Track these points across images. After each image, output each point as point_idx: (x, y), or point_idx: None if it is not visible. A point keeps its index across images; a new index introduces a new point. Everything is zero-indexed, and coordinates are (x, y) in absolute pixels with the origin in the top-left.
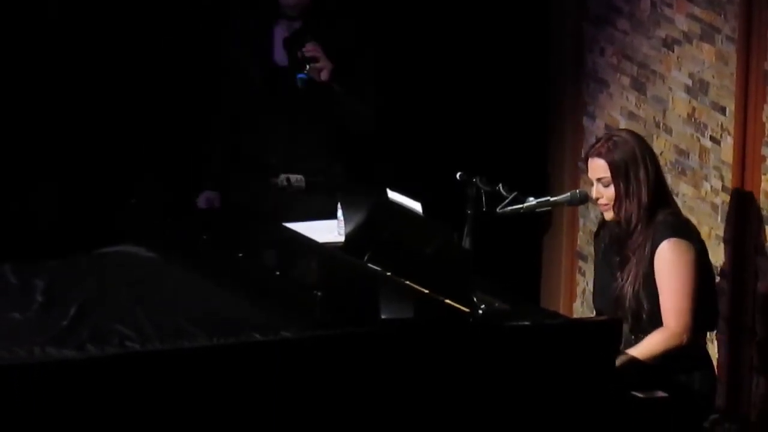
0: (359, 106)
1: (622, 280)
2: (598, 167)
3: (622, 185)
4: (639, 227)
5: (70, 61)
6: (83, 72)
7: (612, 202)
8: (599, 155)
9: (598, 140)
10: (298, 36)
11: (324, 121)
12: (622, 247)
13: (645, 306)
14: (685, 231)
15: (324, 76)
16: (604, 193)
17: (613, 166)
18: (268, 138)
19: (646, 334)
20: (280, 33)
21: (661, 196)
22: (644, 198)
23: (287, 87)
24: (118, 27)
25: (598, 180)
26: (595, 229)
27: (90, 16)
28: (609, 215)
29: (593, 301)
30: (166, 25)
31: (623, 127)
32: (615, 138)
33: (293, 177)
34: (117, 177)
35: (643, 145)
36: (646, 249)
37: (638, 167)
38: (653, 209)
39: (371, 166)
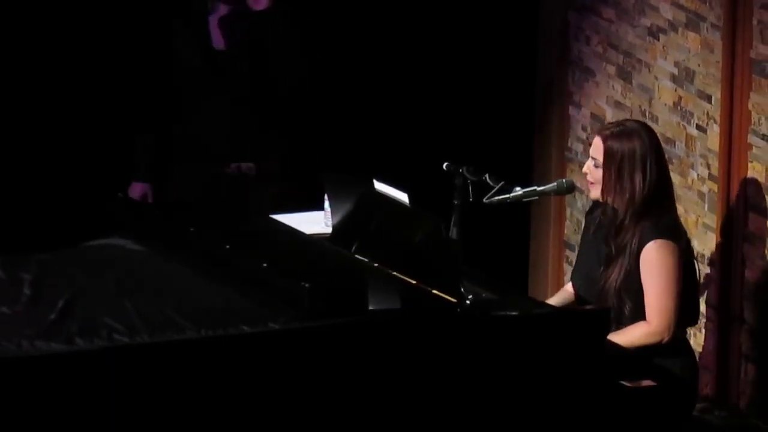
0: (290, 60)
1: (606, 276)
2: (596, 147)
3: (613, 177)
4: (628, 225)
5: (49, 58)
6: (62, 67)
7: (596, 183)
8: (603, 136)
9: (615, 121)
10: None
11: (270, 103)
12: (608, 239)
13: (627, 303)
14: (672, 232)
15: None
16: (592, 172)
17: (607, 154)
18: (212, 124)
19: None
20: (216, 17)
21: (659, 198)
22: (637, 198)
23: (227, 71)
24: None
25: (593, 158)
26: (583, 216)
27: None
28: (592, 194)
29: (572, 276)
30: (102, 16)
31: (636, 119)
32: (626, 127)
33: (244, 165)
34: (105, 170)
35: (651, 145)
36: (633, 247)
37: (635, 167)
38: (647, 210)
39: (347, 156)
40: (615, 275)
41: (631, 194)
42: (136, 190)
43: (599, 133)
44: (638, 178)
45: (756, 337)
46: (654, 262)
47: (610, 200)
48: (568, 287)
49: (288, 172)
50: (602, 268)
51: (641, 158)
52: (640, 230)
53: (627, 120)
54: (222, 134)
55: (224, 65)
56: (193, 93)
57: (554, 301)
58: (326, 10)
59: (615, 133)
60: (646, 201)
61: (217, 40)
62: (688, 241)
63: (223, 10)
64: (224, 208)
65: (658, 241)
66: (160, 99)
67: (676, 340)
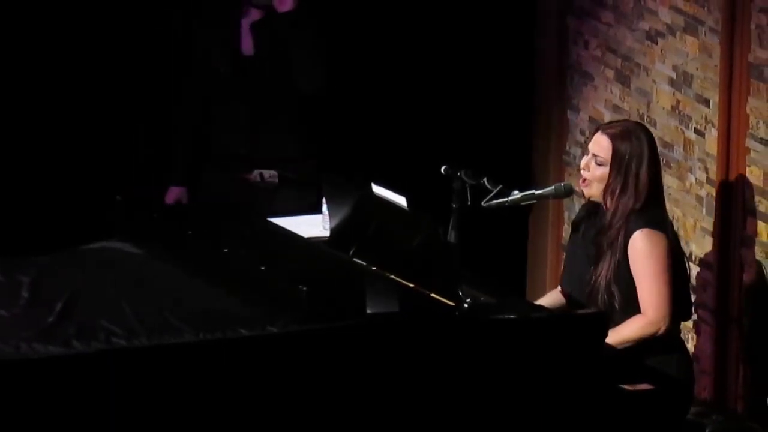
0: (311, 66)
1: (597, 273)
2: (601, 145)
3: (619, 178)
4: (620, 223)
5: (53, 59)
6: (66, 69)
7: (594, 181)
8: (609, 135)
9: (614, 120)
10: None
11: (293, 110)
12: (599, 238)
13: (617, 297)
14: (658, 222)
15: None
16: (591, 170)
17: (616, 154)
18: (237, 130)
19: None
20: (248, 21)
21: (653, 196)
22: (641, 198)
23: (254, 77)
24: (88, 22)
25: (594, 156)
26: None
27: (61, 11)
28: (587, 191)
29: (562, 282)
30: (134, 18)
31: (637, 120)
32: (632, 128)
33: (266, 172)
34: (104, 173)
35: (653, 146)
36: (620, 239)
37: (641, 166)
38: (642, 207)
39: (345, 158)
40: (605, 271)
41: (635, 194)
42: (173, 193)
43: (604, 131)
44: (643, 178)
45: (754, 340)
46: (643, 251)
47: (609, 199)
48: (555, 291)
49: (312, 179)
50: (592, 268)
51: (648, 158)
52: (626, 222)
53: (624, 120)
54: (244, 140)
55: (251, 72)
56: (217, 97)
57: (545, 301)
58: (327, 14)
59: (620, 132)
60: (644, 202)
61: (247, 47)
62: (675, 234)
63: (255, 14)
64: (223, 211)
65: (645, 230)
66: (188, 101)
67: (670, 336)
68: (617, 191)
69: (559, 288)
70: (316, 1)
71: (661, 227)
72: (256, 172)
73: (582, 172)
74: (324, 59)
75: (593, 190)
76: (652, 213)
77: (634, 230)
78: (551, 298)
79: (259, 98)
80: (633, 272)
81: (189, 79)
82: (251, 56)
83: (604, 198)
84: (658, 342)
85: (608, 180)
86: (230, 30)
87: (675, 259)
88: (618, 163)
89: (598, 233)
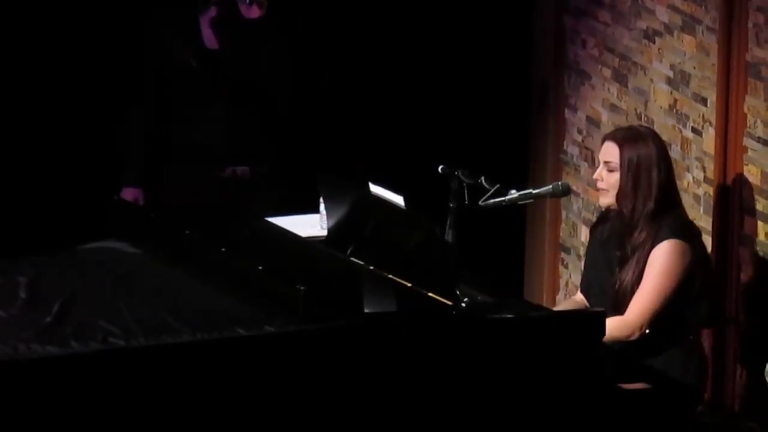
0: (274, 90)
1: (621, 278)
2: (610, 151)
3: (630, 181)
4: (641, 226)
5: (52, 59)
6: (64, 70)
7: (610, 189)
8: (616, 140)
9: (620, 127)
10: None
11: (262, 106)
12: (622, 243)
13: None
14: (688, 233)
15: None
16: (605, 178)
17: (625, 158)
18: (205, 126)
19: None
20: (207, 18)
21: (669, 199)
22: (652, 200)
23: (221, 70)
24: (90, 22)
25: (606, 163)
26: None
27: (64, 11)
28: (604, 201)
29: (581, 289)
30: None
31: (645, 125)
32: (638, 131)
33: (239, 168)
34: (101, 173)
35: (662, 148)
36: (647, 249)
37: (651, 169)
38: (659, 211)
39: (342, 158)
40: (629, 277)
41: (646, 197)
42: (127, 194)
43: (612, 139)
44: (654, 182)
45: (751, 339)
46: (659, 261)
47: (624, 203)
48: (577, 298)
49: (283, 175)
50: (617, 271)
51: (657, 160)
52: (656, 232)
53: (633, 126)
54: (216, 136)
55: (217, 65)
56: (186, 93)
57: (562, 308)
58: (323, 13)
59: (629, 137)
60: (660, 201)
61: (210, 40)
62: (702, 244)
63: (213, 11)
64: (220, 211)
65: (672, 241)
66: (146, 99)
67: (691, 344)
68: (630, 193)
69: (576, 296)
70: (287, 8)
71: (688, 237)
72: (228, 169)
73: (597, 183)
74: (297, 55)
75: (609, 199)
76: (679, 221)
77: (663, 240)
78: (568, 306)
79: (229, 94)
80: (644, 274)
81: (147, 76)
82: (216, 50)
83: (619, 203)
84: (680, 346)
85: (620, 183)
86: (192, 25)
87: (702, 268)
88: (627, 168)
89: (622, 237)
